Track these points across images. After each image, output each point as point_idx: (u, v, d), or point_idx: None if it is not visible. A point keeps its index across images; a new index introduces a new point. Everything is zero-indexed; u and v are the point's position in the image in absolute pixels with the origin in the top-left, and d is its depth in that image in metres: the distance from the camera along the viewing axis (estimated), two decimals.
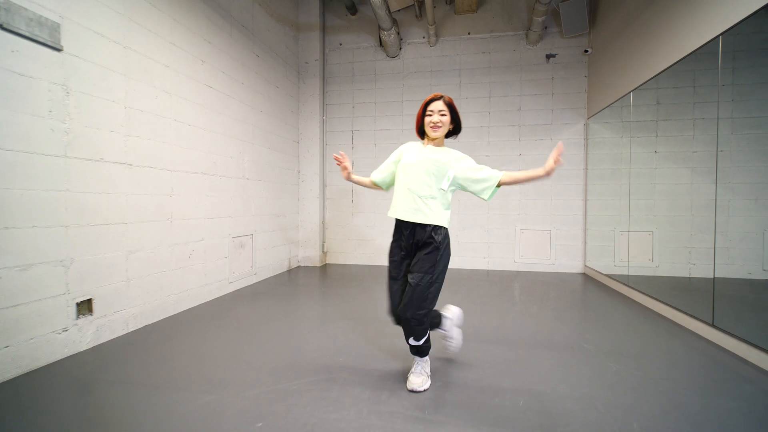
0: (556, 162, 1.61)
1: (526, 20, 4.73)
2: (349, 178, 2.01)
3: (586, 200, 4.71)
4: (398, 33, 4.79)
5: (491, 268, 4.91)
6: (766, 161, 3.09)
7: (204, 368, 1.96)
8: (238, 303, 3.22)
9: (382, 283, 4.02)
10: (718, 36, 2.56)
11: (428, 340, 1.81)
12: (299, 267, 5.01)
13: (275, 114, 4.39)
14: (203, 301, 3.19)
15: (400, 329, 2.28)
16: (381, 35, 4.69)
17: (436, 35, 4.89)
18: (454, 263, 4.97)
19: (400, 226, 1.83)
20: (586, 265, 4.70)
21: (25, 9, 1.84)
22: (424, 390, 1.74)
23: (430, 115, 1.78)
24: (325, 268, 4.95)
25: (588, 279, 4.43)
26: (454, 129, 1.87)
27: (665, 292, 3.42)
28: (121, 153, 2.39)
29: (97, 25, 2.22)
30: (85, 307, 2.18)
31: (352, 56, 5.16)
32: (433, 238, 1.74)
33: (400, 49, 5.03)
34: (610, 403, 1.62)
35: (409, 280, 1.73)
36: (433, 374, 1.89)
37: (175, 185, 2.86)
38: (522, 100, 4.79)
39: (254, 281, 4.00)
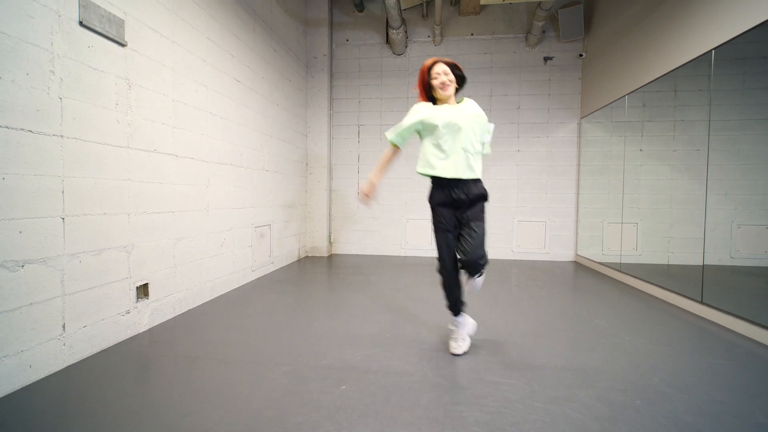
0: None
1: (526, 24, 5.03)
2: (374, 185, 2.10)
3: (578, 194, 5.09)
4: (405, 32, 4.98)
5: (490, 257, 5.23)
6: (735, 160, 3.49)
7: (265, 345, 2.13)
8: (265, 289, 3.37)
9: (392, 271, 4.25)
10: (711, 50, 2.89)
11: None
12: (307, 257, 5.16)
13: (288, 107, 4.50)
14: (232, 288, 3.32)
15: (429, 306, 2.51)
16: (389, 33, 4.86)
17: (441, 35, 5.11)
18: None
19: (449, 183, 1.92)
20: (577, 254, 5.09)
21: (99, 6, 1.92)
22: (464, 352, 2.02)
23: (436, 77, 1.90)
24: (331, 258, 5.12)
25: (579, 266, 4.82)
26: (459, 84, 2.00)
27: (651, 277, 3.82)
28: (170, 144, 2.49)
29: (152, 20, 2.31)
30: (142, 291, 2.29)
31: (359, 52, 5.31)
32: (483, 190, 1.97)
33: (406, 47, 5.22)
34: (632, 365, 1.92)
35: (473, 227, 1.91)
36: (475, 346, 2.14)
37: (211, 176, 2.96)
38: (521, 100, 5.10)
39: (272, 270, 4.13)
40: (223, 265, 3.16)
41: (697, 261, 3.91)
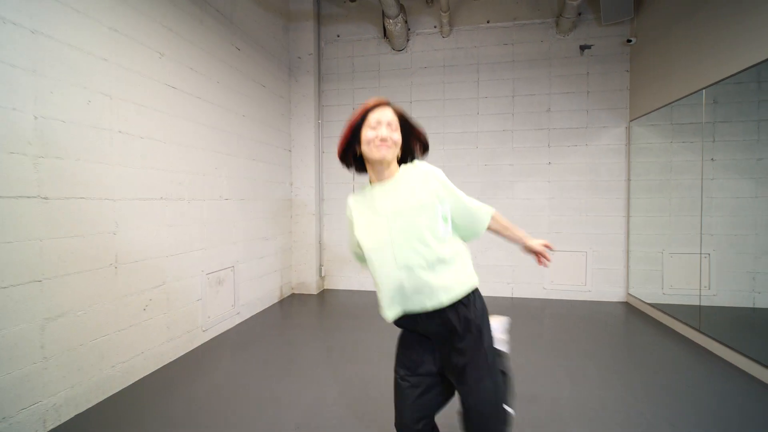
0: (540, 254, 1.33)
1: (556, 6, 4.03)
2: None
3: (628, 217, 4.02)
4: (405, 22, 4.08)
5: (516, 295, 4.21)
6: None
7: None
8: (215, 359, 2.53)
9: None
10: None
11: None
12: (293, 295, 4.31)
13: (261, 118, 3.68)
14: (167, 362, 2.49)
15: None
16: (386, 24, 3.98)
17: (450, 24, 4.17)
18: None
19: (414, 318, 1.12)
20: (628, 293, 4.01)
21: None
22: None
23: (375, 127, 1.10)
24: (323, 296, 4.25)
25: (632, 310, 3.75)
26: (406, 151, 1.19)
27: (735, 339, 2.74)
28: (30, 183, 1.69)
29: None
30: None
31: (352, 50, 4.45)
32: (468, 316, 1.09)
33: (408, 40, 4.32)
34: None
35: (465, 401, 1.09)
36: None
37: (121, 219, 2.15)
38: (551, 100, 4.09)
39: (237, 322, 3.30)
40: (146, 336, 2.33)
41: None
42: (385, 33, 4.29)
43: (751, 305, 3.08)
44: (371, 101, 1.14)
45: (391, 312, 1.09)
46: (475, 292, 1.13)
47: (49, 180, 1.77)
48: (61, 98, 1.81)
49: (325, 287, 4.60)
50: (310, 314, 3.61)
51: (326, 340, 2.93)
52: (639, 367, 2.43)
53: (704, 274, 3.24)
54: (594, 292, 4.07)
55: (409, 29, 4.27)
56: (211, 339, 2.93)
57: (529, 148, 4.15)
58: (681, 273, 3.51)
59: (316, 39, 4.36)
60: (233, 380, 2.26)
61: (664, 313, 3.47)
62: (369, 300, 4.06)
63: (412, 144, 1.20)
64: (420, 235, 1.06)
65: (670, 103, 3.35)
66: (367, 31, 4.41)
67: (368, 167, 1.18)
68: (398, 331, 1.23)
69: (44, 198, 1.75)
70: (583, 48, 4.00)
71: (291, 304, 3.97)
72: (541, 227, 4.14)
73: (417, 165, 1.18)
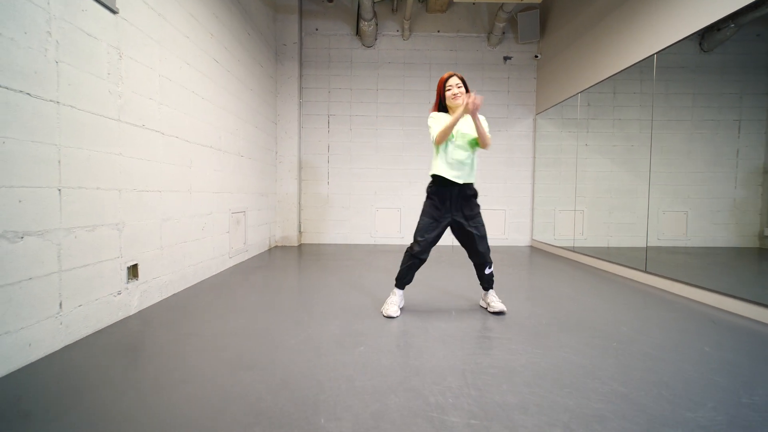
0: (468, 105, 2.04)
1: (488, 24, 5.37)
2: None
3: (533, 184, 5.55)
4: (376, 24, 5.09)
5: (455, 244, 5.53)
6: (659, 155, 4.02)
7: (269, 319, 2.15)
8: (246, 275, 3.33)
9: (365, 259, 4.37)
10: (653, 54, 3.34)
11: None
12: (277, 247, 5.09)
13: (260, 93, 4.42)
14: (212, 274, 3.24)
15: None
16: (360, 24, 4.95)
17: (410, 30, 5.29)
18: None
19: (448, 185, 2.23)
20: (533, 239, 5.55)
21: None
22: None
23: (450, 89, 2.21)
24: (302, 248, 5.11)
25: (535, 250, 5.27)
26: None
27: (598, 255, 4.28)
28: (157, 121, 2.40)
29: None
30: (132, 272, 2.20)
31: (329, 42, 5.32)
32: (474, 194, 2.29)
33: (376, 39, 5.33)
34: (601, 320, 2.23)
35: (476, 232, 2.28)
36: (462, 311, 2.34)
37: (194, 157, 2.87)
38: (483, 95, 5.43)
39: (247, 257, 4.06)
40: (203, 250, 3.07)
41: (630, 243, 4.48)
42: (357, 31, 5.25)
43: (606, 245, 4.67)
44: (446, 75, 2.22)
45: (451, 175, 2.18)
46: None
47: (165, 121, 2.48)
48: (169, 64, 2.52)
49: (303, 241, 5.44)
50: (295, 258, 4.48)
51: (323, 270, 3.88)
52: (539, 278, 3.81)
53: (580, 224, 4.78)
54: (510, 239, 5.55)
55: (377, 30, 5.28)
56: (233, 265, 3.68)
57: None
58: (566, 224, 5.08)
59: (299, 30, 5.15)
60: (275, 288, 3.12)
61: (558, 247, 5.00)
62: (341, 250, 5.04)
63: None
64: (471, 141, 2.21)
65: (555, 105, 4.86)
66: (341, 28, 5.31)
67: (449, 108, 2.26)
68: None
69: (162, 133, 2.46)
70: (505, 58, 5.40)
71: (278, 251, 4.78)
72: None
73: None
